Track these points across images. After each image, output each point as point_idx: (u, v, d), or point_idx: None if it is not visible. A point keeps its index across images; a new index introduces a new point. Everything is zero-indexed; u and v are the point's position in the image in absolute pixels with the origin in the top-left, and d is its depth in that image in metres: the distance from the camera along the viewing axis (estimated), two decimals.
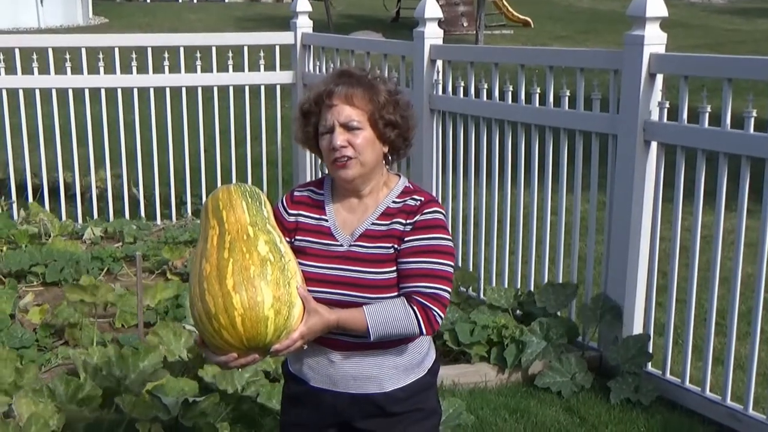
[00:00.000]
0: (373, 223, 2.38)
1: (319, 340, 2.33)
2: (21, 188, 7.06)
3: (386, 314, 2.28)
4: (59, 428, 3.36)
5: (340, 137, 2.33)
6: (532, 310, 4.83)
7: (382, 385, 2.40)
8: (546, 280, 4.95)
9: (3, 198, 6.98)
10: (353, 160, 2.34)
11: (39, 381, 3.91)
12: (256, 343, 2.18)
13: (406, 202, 2.39)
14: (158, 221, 7.06)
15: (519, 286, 5.12)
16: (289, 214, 2.46)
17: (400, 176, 2.50)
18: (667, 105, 4.21)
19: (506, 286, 5.17)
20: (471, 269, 5.48)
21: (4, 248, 5.85)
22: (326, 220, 2.42)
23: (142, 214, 7.07)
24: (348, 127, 2.34)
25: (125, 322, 4.91)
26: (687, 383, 4.26)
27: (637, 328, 4.49)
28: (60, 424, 3.37)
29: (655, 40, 4.21)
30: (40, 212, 6.46)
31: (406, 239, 2.35)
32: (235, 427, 3.69)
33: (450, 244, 2.39)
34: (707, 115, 4.04)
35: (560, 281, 4.86)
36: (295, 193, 2.51)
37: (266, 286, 2.16)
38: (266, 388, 3.84)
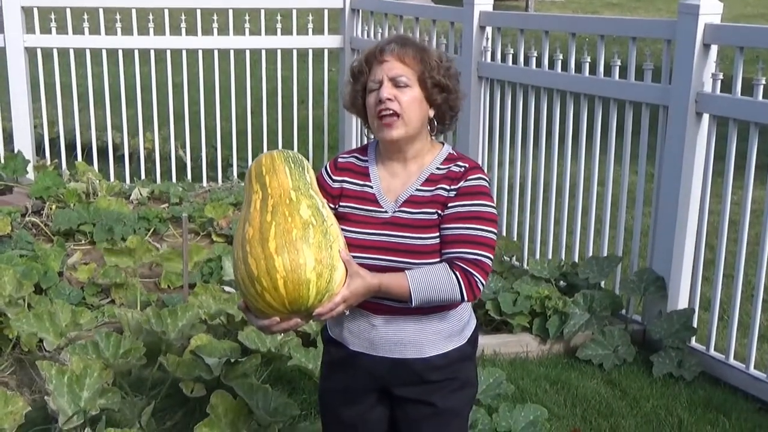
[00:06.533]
0: (417, 189, 2.38)
1: (360, 304, 2.33)
2: (70, 148, 7.15)
3: (429, 279, 2.28)
4: (109, 383, 3.42)
5: (387, 90, 2.33)
6: (576, 282, 4.80)
7: (423, 350, 2.40)
8: (590, 252, 4.91)
9: (52, 157, 7.07)
10: (398, 120, 2.33)
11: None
12: (299, 306, 2.19)
13: (451, 169, 2.38)
14: (204, 183, 7.12)
15: (563, 257, 5.08)
16: (334, 180, 2.46)
17: (443, 143, 2.48)
18: (721, 76, 4.13)
19: (550, 256, 5.14)
20: (515, 238, 5.45)
21: (53, 207, 5.93)
22: (371, 187, 2.42)
23: (189, 176, 7.13)
24: (397, 83, 2.34)
25: (171, 283, 4.97)
26: (731, 359, 4.21)
27: (682, 303, 4.44)
28: (108, 380, 3.43)
29: (710, 9, 4.12)
30: (88, 171, 6.53)
31: (449, 205, 2.34)
32: (275, 387, 3.72)
33: (493, 210, 2.37)
34: (761, 87, 3.96)
35: (605, 253, 4.81)
36: (339, 160, 2.50)
37: (308, 249, 2.16)
38: (301, 352, 3.87)
